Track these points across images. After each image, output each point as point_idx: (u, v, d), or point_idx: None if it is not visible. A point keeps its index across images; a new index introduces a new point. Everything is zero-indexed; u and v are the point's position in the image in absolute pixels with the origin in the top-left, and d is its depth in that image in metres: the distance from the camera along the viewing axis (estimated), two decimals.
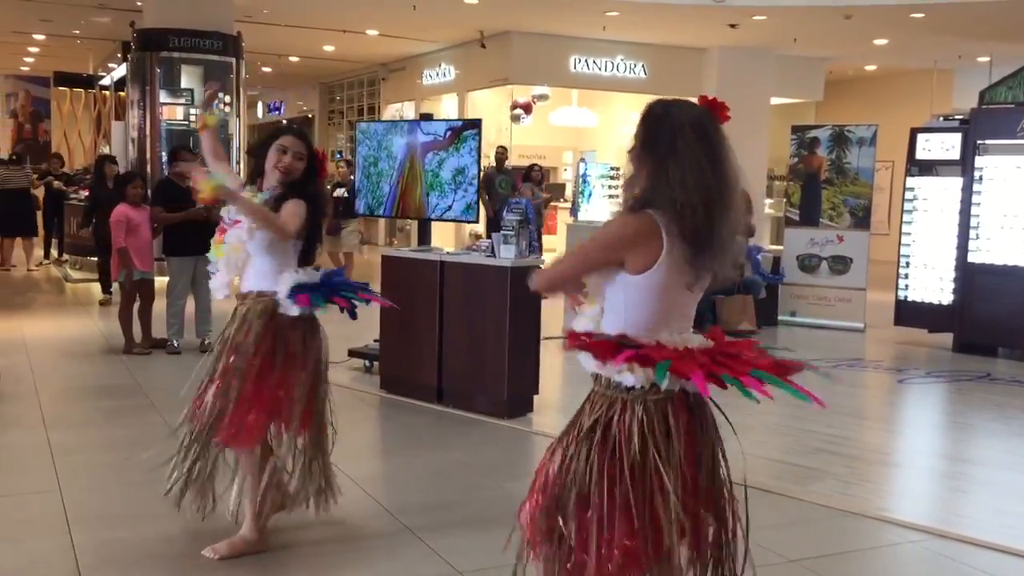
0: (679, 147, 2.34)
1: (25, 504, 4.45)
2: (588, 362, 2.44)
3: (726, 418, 2.52)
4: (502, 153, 13.85)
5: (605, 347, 2.37)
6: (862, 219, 10.35)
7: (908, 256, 9.52)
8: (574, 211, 9.54)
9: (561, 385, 7.34)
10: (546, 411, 6.24)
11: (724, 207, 2.37)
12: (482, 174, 14.10)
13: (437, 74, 18.06)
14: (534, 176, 13.14)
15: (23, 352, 7.84)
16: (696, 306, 2.52)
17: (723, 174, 2.37)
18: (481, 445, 5.57)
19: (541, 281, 2.56)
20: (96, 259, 10.95)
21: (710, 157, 2.36)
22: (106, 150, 17.30)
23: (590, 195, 9.11)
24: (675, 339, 2.39)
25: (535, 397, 6.21)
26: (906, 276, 9.52)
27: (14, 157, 15.01)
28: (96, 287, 11.28)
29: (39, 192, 14.40)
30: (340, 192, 11.27)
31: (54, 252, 14.55)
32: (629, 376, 2.36)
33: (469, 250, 6.72)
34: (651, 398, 2.37)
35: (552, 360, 7.81)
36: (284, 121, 26.89)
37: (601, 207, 9.18)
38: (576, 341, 2.41)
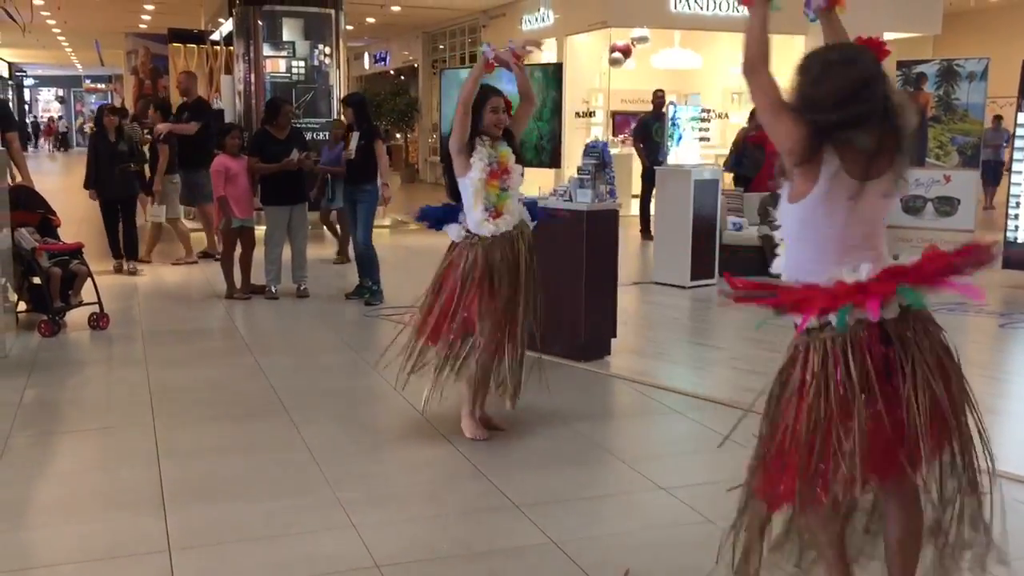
0: None
1: (121, 436, 4.76)
2: None
3: None
4: (660, 96, 12.04)
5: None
6: (971, 158, 9.89)
7: (1018, 196, 9.07)
8: (664, 155, 9.40)
9: (640, 328, 7.34)
10: (624, 354, 6.27)
11: None
12: (638, 120, 12.99)
13: (536, 19, 17.93)
14: None
15: (134, 297, 8.30)
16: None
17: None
18: (557, 388, 5.62)
19: None
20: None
21: None
22: (218, 104, 17.87)
23: (679, 139, 8.94)
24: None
25: (613, 340, 6.25)
26: (1016, 217, 9.08)
27: None
28: (203, 235, 11.67)
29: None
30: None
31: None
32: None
33: (547, 195, 6.72)
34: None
35: (631, 304, 7.82)
36: (391, 71, 27.19)
37: (692, 150, 9.00)
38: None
